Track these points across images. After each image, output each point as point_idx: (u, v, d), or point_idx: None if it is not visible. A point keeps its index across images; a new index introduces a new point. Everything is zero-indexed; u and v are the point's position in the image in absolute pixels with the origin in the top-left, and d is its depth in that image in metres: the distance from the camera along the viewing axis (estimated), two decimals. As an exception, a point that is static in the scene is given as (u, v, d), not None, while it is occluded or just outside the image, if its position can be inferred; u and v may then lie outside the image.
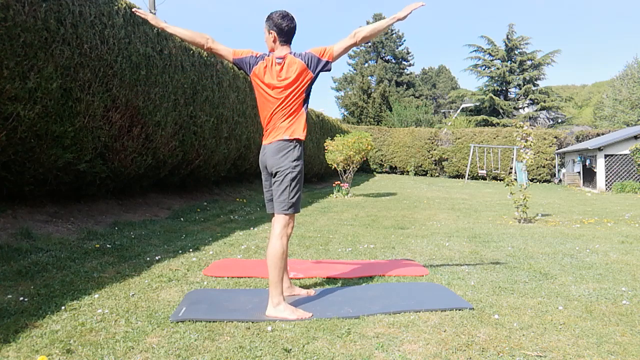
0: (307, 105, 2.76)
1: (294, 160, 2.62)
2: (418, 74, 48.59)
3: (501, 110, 34.56)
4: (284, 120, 2.64)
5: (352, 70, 42.72)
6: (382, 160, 23.77)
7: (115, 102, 5.24)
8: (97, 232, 4.68)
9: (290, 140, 2.63)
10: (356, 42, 2.70)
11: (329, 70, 2.74)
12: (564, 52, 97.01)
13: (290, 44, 2.74)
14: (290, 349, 2.07)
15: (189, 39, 2.78)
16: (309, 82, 2.69)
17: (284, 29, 2.68)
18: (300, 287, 3.07)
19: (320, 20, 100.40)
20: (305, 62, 2.65)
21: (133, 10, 2.90)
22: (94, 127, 4.94)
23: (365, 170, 23.13)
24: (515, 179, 8.22)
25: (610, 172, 16.40)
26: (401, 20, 2.73)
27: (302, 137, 2.69)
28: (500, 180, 20.25)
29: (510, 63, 35.09)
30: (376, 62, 41.73)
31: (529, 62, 35.00)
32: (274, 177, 2.66)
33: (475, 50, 36.89)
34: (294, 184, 2.61)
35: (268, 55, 2.73)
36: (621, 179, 16.16)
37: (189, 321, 2.38)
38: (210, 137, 7.67)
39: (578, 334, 2.28)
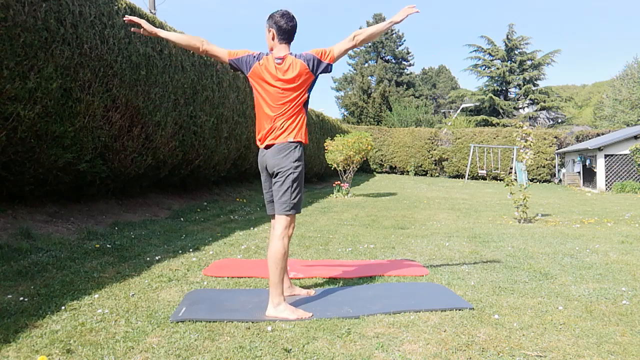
0: (307, 107, 2.76)
1: (295, 161, 2.61)
2: (418, 74, 48.53)
3: (501, 110, 34.54)
4: (284, 122, 2.63)
5: (352, 70, 42.71)
6: (382, 160, 23.76)
7: (115, 102, 5.24)
8: (97, 232, 4.68)
9: (292, 142, 2.63)
10: (355, 45, 2.74)
11: (330, 72, 2.74)
12: (564, 52, 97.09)
13: (290, 43, 2.73)
14: (290, 349, 2.07)
15: (183, 43, 2.74)
16: (309, 83, 2.69)
17: (283, 27, 2.67)
18: (300, 287, 3.07)
19: (320, 19, 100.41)
20: (306, 63, 2.64)
21: (125, 18, 2.80)
22: (94, 127, 4.94)
23: (365, 170, 23.12)
24: (515, 179, 8.21)
25: (610, 172, 16.40)
26: (397, 23, 2.78)
27: (304, 140, 2.68)
28: (500, 180, 20.24)
29: (510, 63, 35.06)
30: (376, 62, 41.71)
31: (529, 62, 34.97)
32: (274, 177, 2.65)
33: (475, 50, 36.89)
34: (295, 184, 2.60)
35: (267, 55, 2.72)
36: (621, 179, 16.16)
37: (189, 321, 2.38)
38: (210, 137, 7.67)
39: (578, 334, 2.28)
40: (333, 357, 2.00)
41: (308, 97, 2.73)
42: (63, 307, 2.54)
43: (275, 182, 2.65)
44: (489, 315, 2.53)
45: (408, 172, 23.27)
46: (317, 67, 2.68)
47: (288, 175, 2.60)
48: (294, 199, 2.60)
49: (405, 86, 40.95)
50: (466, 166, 21.31)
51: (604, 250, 4.44)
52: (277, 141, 2.62)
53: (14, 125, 3.98)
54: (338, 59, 2.73)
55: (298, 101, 2.66)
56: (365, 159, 12.14)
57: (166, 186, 7.59)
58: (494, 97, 34.41)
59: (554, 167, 20.90)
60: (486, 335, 2.25)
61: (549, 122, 36.16)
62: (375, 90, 37.10)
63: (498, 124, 32.23)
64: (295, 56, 2.67)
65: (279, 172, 2.62)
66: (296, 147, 2.64)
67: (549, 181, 20.96)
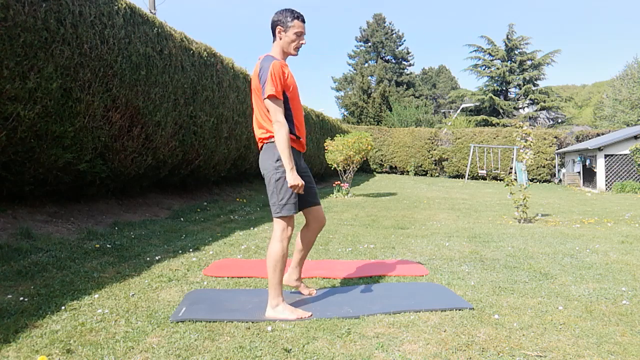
0: (289, 107, 2.60)
1: (276, 161, 2.54)
2: (418, 74, 48.55)
3: (501, 110, 34.55)
4: (264, 122, 2.58)
5: (352, 70, 42.72)
6: (382, 160, 23.76)
7: (115, 102, 5.24)
8: (97, 232, 4.68)
9: (271, 142, 2.55)
10: (271, 121, 2.51)
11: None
12: (564, 52, 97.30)
13: (274, 41, 2.67)
14: (290, 349, 2.07)
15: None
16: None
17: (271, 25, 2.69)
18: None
19: (320, 19, 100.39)
20: (259, 69, 2.55)
21: None
22: (94, 127, 4.94)
23: (365, 170, 23.13)
24: (515, 179, 8.21)
25: (610, 172, 16.40)
26: (290, 185, 2.48)
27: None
28: (500, 180, 20.25)
29: (510, 63, 35.07)
30: (376, 62, 41.72)
31: (529, 62, 34.97)
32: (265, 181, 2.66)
33: (475, 50, 36.90)
34: (280, 184, 2.53)
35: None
36: (621, 179, 16.16)
37: (189, 321, 2.38)
38: (210, 137, 7.67)
39: (578, 334, 2.28)
40: (333, 357, 2.00)
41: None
42: (63, 307, 2.54)
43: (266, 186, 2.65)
44: (489, 315, 2.53)
45: (408, 172, 23.27)
46: (262, 86, 2.52)
47: (270, 177, 2.56)
48: (281, 199, 2.53)
49: (405, 86, 40.96)
50: (466, 166, 21.31)
51: (604, 250, 4.44)
52: (260, 143, 2.63)
53: (14, 125, 3.98)
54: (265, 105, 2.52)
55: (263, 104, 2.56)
56: (365, 159, 12.14)
57: (166, 186, 7.60)
58: (494, 97, 34.42)
59: (554, 167, 20.90)
60: (486, 335, 2.25)
61: (549, 122, 36.16)
62: (375, 90, 37.10)
63: (498, 124, 32.24)
64: (262, 60, 2.58)
65: (264, 175, 2.62)
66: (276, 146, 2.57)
67: (549, 181, 20.96)
